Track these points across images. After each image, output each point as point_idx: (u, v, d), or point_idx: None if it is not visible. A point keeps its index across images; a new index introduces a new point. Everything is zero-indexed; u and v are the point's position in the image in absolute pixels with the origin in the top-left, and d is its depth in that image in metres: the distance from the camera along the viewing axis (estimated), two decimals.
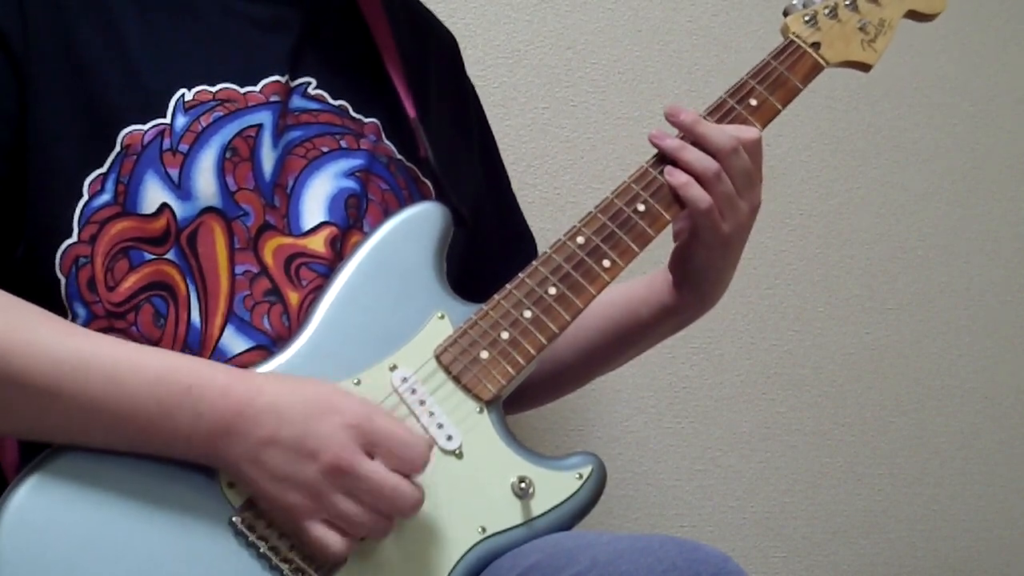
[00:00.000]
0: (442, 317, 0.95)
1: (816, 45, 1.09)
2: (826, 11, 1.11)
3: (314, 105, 1.02)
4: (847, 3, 1.12)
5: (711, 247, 1.03)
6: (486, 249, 1.13)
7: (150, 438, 0.84)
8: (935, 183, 1.71)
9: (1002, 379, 1.73)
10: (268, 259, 0.95)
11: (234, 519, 0.84)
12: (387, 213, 1.00)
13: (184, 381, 0.84)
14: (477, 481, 0.91)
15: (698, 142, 1.00)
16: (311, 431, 0.83)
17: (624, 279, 1.01)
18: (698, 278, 1.07)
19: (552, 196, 1.50)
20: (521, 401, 1.14)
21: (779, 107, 1.06)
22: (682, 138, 1.01)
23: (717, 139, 1.00)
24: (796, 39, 1.09)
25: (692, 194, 0.99)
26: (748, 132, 1.01)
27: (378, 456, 0.84)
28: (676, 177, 1.00)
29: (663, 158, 1.02)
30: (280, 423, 0.83)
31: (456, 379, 0.93)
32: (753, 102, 1.05)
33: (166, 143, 0.94)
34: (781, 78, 1.07)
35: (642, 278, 1.13)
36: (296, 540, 0.85)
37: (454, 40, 1.23)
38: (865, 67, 1.12)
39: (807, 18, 1.10)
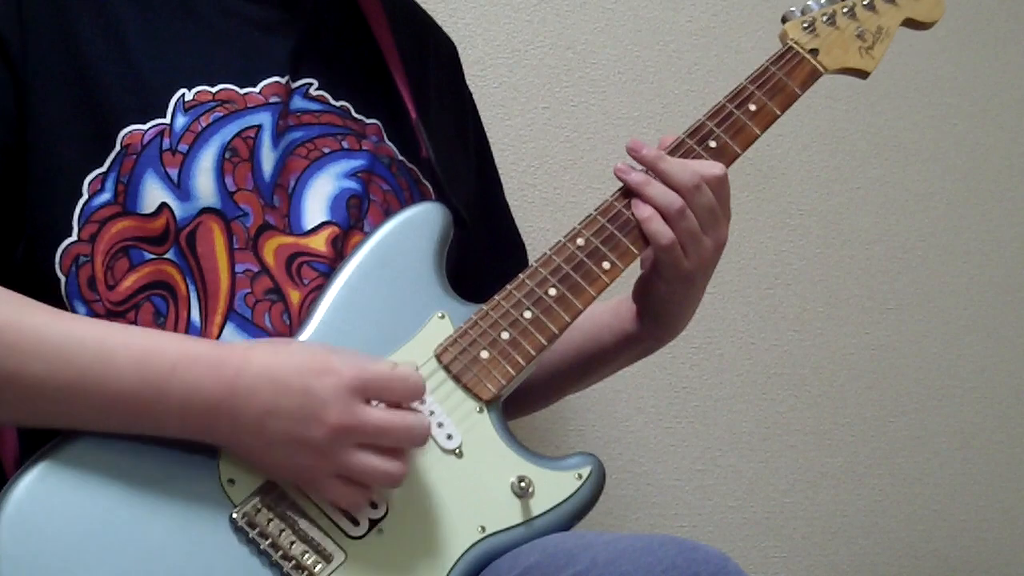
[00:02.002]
0: (442, 317, 0.95)
1: (814, 52, 1.10)
2: (824, 18, 1.12)
3: (316, 106, 1.02)
4: (845, 10, 1.13)
5: (672, 282, 1.03)
6: (477, 257, 1.13)
7: (141, 418, 0.84)
8: (935, 183, 1.71)
9: (1002, 379, 1.73)
10: (269, 259, 0.95)
11: (234, 515, 0.84)
12: (388, 214, 1.00)
13: (169, 358, 0.84)
14: (477, 480, 0.91)
15: (661, 178, 1.00)
16: (310, 395, 0.84)
17: (617, 287, 1.01)
18: (659, 310, 1.07)
19: (552, 196, 1.50)
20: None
21: (778, 112, 1.07)
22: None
23: (680, 176, 0.99)
24: (795, 45, 1.10)
25: (654, 229, 0.99)
26: (712, 169, 1.01)
27: (377, 400, 0.85)
28: (640, 210, 0.99)
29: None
30: (276, 392, 0.84)
31: (456, 379, 0.93)
32: (752, 107, 1.06)
33: (166, 143, 0.95)
34: (780, 84, 1.08)
35: (608, 304, 1.13)
36: (300, 535, 0.85)
37: (454, 47, 1.23)
38: (863, 74, 1.14)
39: (806, 25, 1.12)
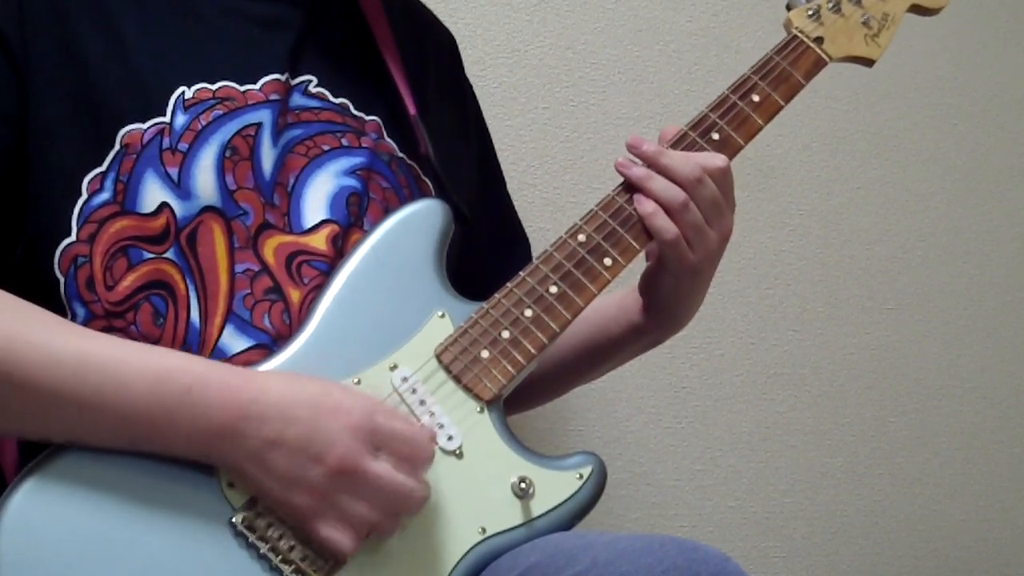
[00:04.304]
0: (443, 316, 0.95)
1: (819, 40, 1.08)
2: (829, 6, 1.10)
3: (315, 103, 1.02)
4: None
5: (678, 275, 1.02)
6: (480, 251, 1.13)
7: (152, 438, 0.84)
8: (935, 183, 1.71)
9: (1002, 379, 1.73)
10: (269, 257, 0.95)
11: (234, 520, 0.84)
12: (388, 211, 1.00)
13: (184, 381, 0.83)
14: (477, 481, 0.90)
15: (663, 173, 0.99)
16: (317, 432, 0.83)
17: (619, 282, 1.01)
18: (666, 303, 1.07)
19: (552, 196, 1.50)
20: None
21: (781, 103, 1.05)
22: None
23: (682, 169, 0.98)
24: (799, 34, 1.08)
25: (658, 224, 0.98)
26: (714, 160, 1.00)
27: (383, 454, 0.84)
28: (643, 206, 0.98)
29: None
30: (285, 424, 0.83)
31: (456, 379, 0.93)
32: (756, 98, 1.04)
33: (166, 142, 0.94)
34: (784, 73, 1.06)
35: (614, 295, 1.12)
36: (300, 539, 0.85)
37: (453, 39, 1.23)
38: (868, 62, 1.11)
39: (810, 12, 1.09)
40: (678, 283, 1.03)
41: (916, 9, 1.15)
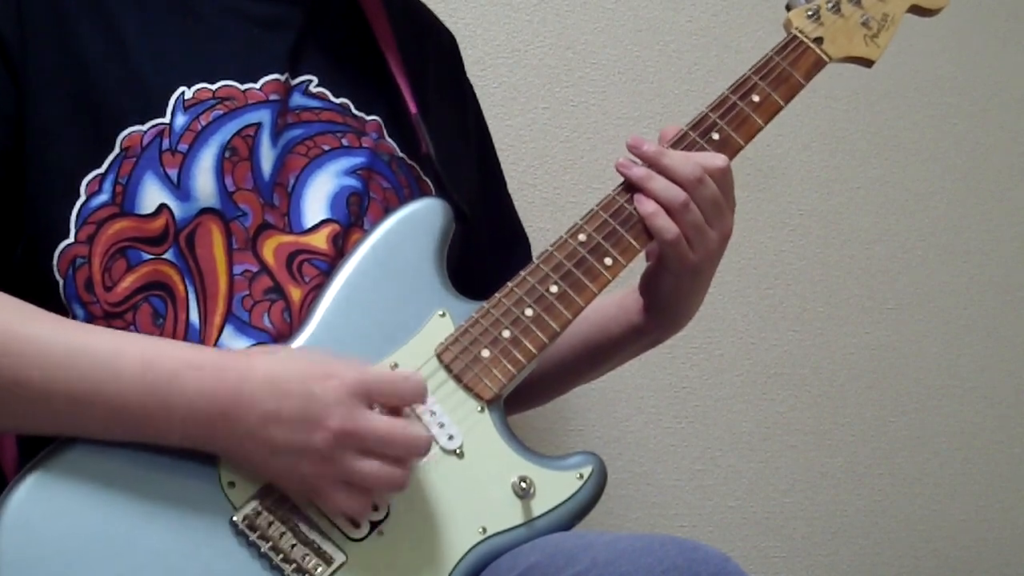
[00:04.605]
0: (443, 315, 0.95)
1: (819, 40, 1.09)
2: (829, 6, 1.10)
3: (315, 103, 1.02)
4: None
5: (679, 275, 1.02)
6: (480, 250, 1.13)
7: (145, 427, 0.84)
8: (935, 183, 1.71)
9: (1002, 379, 1.73)
10: (268, 258, 0.95)
11: (235, 519, 0.84)
12: (388, 211, 1.00)
13: (170, 366, 0.84)
14: (478, 481, 0.90)
15: (664, 173, 0.99)
16: (312, 400, 0.83)
17: (619, 282, 1.01)
18: (666, 302, 1.07)
19: (552, 196, 1.50)
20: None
21: (781, 103, 1.05)
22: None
23: (682, 169, 0.98)
24: (799, 34, 1.09)
25: (659, 224, 0.98)
26: (715, 160, 1.00)
27: (379, 406, 0.85)
28: (644, 206, 0.99)
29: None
30: (279, 397, 0.83)
31: (457, 378, 0.93)
32: (756, 98, 1.05)
33: (165, 143, 0.94)
34: (784, 74, 1.06)
35: (614, 296, 1.12)
36: (301, 538, 0.85)
37: (454, 40, 1.23)
38: (868, 63, 1.12)
39: (810, 13, 1.10)
40: (679, 282, 1.03)
41: (916, 10, 1.15)
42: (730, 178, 1.01)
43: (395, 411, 0.87)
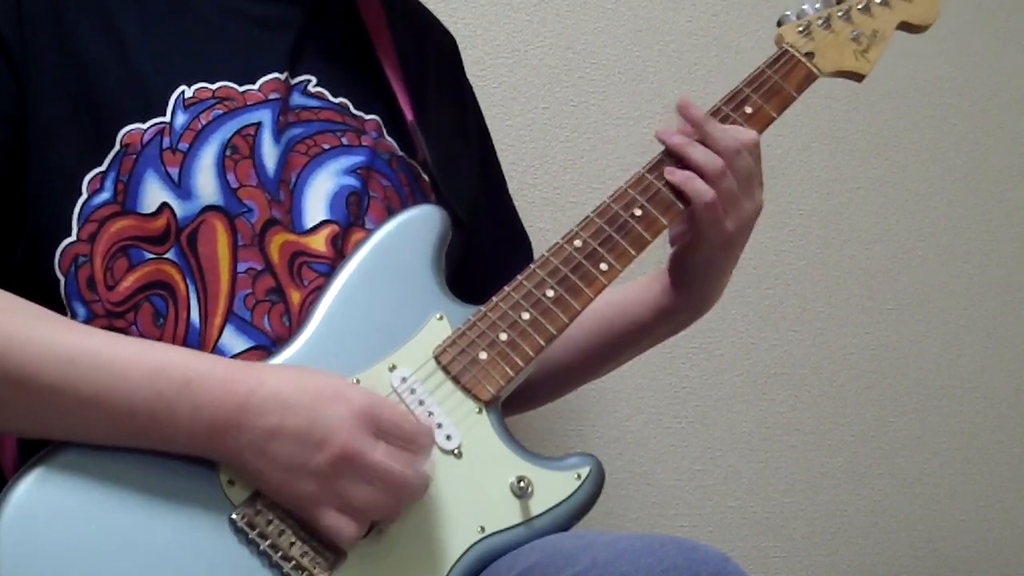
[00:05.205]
0: (441, 318, 0.95)
1: (810, 55, 1.11)
2: (820, 21, 1.13)
3: (314, 102, 1.02)
4: (840, 14, 1.14)
5: (714, 246, 1.04)
6: (482, 251, 1.13)
7: (150, 433, 0.84)
8: (935, 183, 1.71)
9: (1002, 379, 1.73)
10: (274, 255, 0.95)
11: (233, 516, 0.84)
12: (389, 210, 1.00)
13: (182, 374, 0.84)
14: (476, 481, 0.91)
15: (704, 140, 1.02)
16: (318, 420, 0.83)
17: (619, 283, 1.02)
18: (698, 279, 1.08)
19: (552, 196, 1.50)
20: (519, 402, 1.14)
21: (774, 115, 1.08)
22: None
23: (722, 139, 1.02)
24: (790, 49, 1.11)
25: (696, 187, 1.01)
26: (747, 134, 1.04)
27: (385, 442, 0.85)
28: (678, 175, 1.01)
29: (659, 164, 1.03)
30: (285, 413, 0.83)
31: (455, 379, 0.93)
32: (748, 110, 1.07)
33: (166, 142, 0.94)
34: (775, 87, 1.08)
35: (639, 280, 1.13)
36: (300, 536, 0.85)
37: (454, 41, 1.23)
38: (858, 77, 1.14)
39: (801, 28, 1.12)
40: (711, 256, 1.06)
41: (905, 27, 1.18)
42: (760, 153, 1.04)
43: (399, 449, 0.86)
